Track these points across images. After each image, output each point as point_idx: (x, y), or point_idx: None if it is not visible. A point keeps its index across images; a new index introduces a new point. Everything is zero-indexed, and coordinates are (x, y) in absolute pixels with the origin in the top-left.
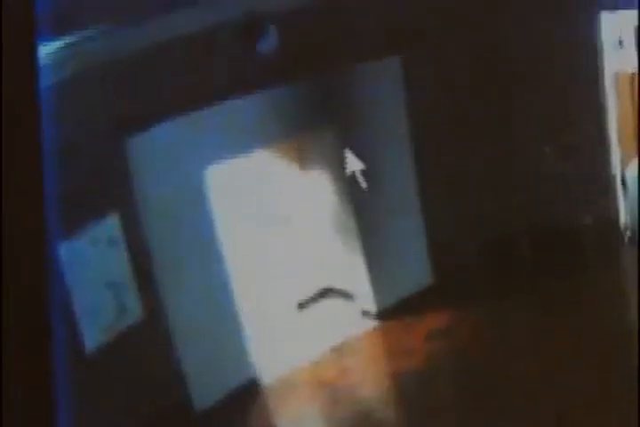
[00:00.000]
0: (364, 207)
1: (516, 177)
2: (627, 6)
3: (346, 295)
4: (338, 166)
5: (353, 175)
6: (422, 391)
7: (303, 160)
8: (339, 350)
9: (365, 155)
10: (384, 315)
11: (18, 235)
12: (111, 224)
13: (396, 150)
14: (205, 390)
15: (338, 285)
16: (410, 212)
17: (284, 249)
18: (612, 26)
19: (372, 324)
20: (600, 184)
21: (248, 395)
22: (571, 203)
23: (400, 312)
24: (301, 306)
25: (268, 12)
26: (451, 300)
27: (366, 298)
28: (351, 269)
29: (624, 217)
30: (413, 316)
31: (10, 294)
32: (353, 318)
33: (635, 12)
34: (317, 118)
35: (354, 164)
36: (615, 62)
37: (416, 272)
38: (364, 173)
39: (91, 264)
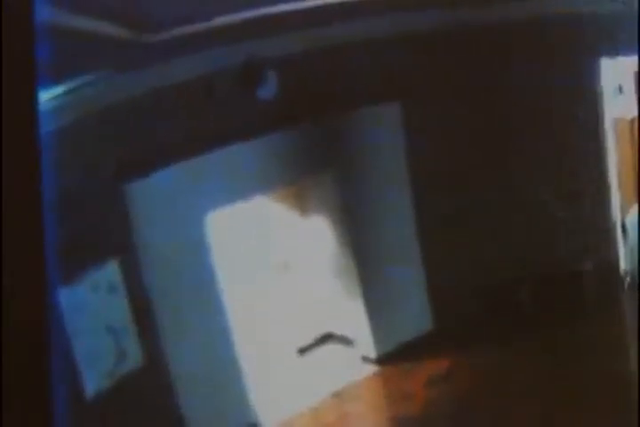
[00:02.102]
0: (363, 253)
1: (515, 223)
2: (626, 53)
3: (346, 341)
4: (338, 212)
5: (352, 220)
6: None
7: (303, 206)
8: (339, 396)
9: (365, 200)
10: (384, 360)
11: (18, 281)
12: (111, 270)
13: (396, 195)
14: None
15: (338, 330)
16: (409, 257)
17: (284, 295)
18: (612, 72)
19: (372, 369)
20: (600, 230)
21: None
22: (571, 249)
23: (400, 358)
24: (302, 352)
25: (268, 57)
26: (451, 346)
27: (366, 344)
28: (351, 315)
29: (624, 263)
30: (413, 361)
31: (10, 339)
32: (353, 364)
33: (634, 59)
34: (317, 163)
35: (353, 209)
36: (615, 108)
37: (416, 318)
38: (363, 218)
39: (91, 310)
